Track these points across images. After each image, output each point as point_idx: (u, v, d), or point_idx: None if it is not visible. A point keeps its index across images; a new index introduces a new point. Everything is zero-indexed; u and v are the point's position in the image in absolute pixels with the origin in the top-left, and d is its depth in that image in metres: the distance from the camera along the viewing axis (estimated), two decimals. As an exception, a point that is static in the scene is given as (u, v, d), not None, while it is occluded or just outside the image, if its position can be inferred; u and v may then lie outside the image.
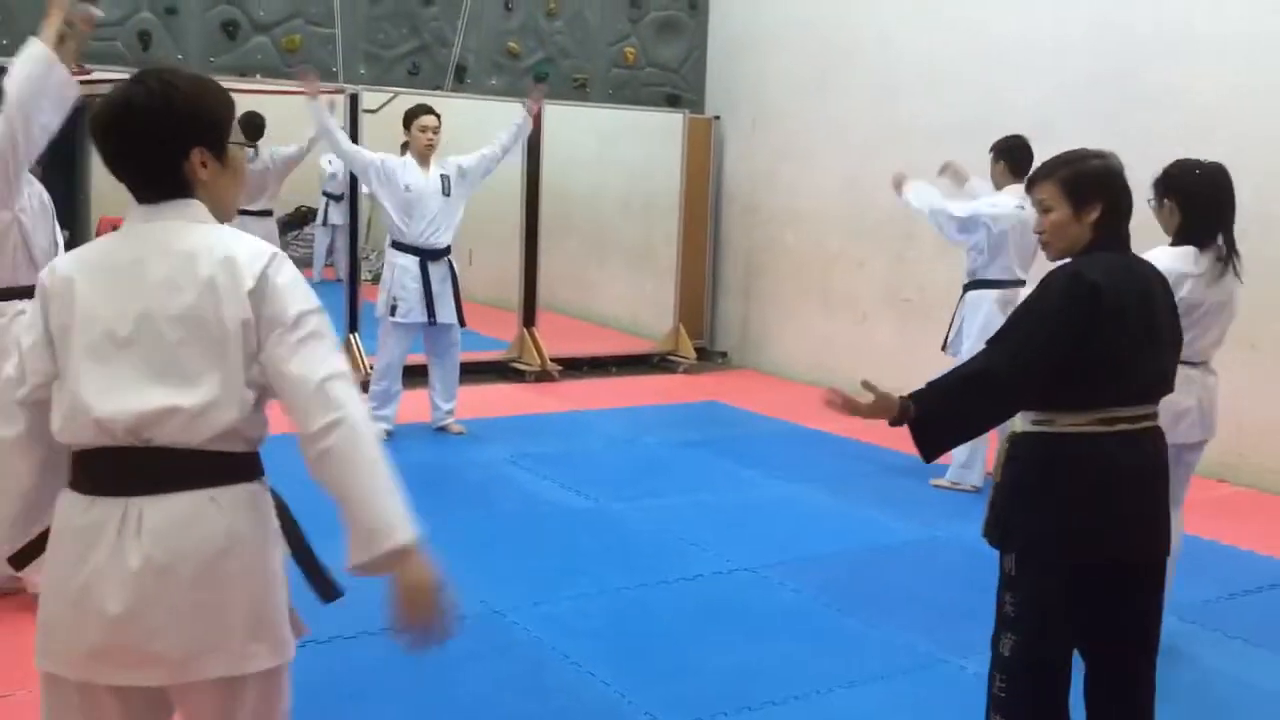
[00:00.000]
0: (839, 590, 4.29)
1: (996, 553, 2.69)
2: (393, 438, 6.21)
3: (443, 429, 6.49)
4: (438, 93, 8.22)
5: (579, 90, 8.86)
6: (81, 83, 3.53)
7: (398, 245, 6.23)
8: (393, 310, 6.17)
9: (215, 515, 1.81)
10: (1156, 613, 2.68)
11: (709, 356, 9.35)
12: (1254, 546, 4.94)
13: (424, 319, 6.21)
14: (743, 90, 9.14)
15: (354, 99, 7.74)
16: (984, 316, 5.57)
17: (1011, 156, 5.54)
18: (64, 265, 1.89)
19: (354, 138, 7.73)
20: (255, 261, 1.83)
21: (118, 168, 1.86)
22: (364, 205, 8.12)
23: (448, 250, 6.30)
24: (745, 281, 9.27)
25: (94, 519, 1.79)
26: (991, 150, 5.64)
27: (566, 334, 8.70)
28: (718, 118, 9.28)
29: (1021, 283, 5.61)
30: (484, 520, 4.99)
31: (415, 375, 6.60)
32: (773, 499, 5.53)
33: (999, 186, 5.63)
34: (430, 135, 6.20)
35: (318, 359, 1.82)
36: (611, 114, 8.92)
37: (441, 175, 6.25)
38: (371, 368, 6.54)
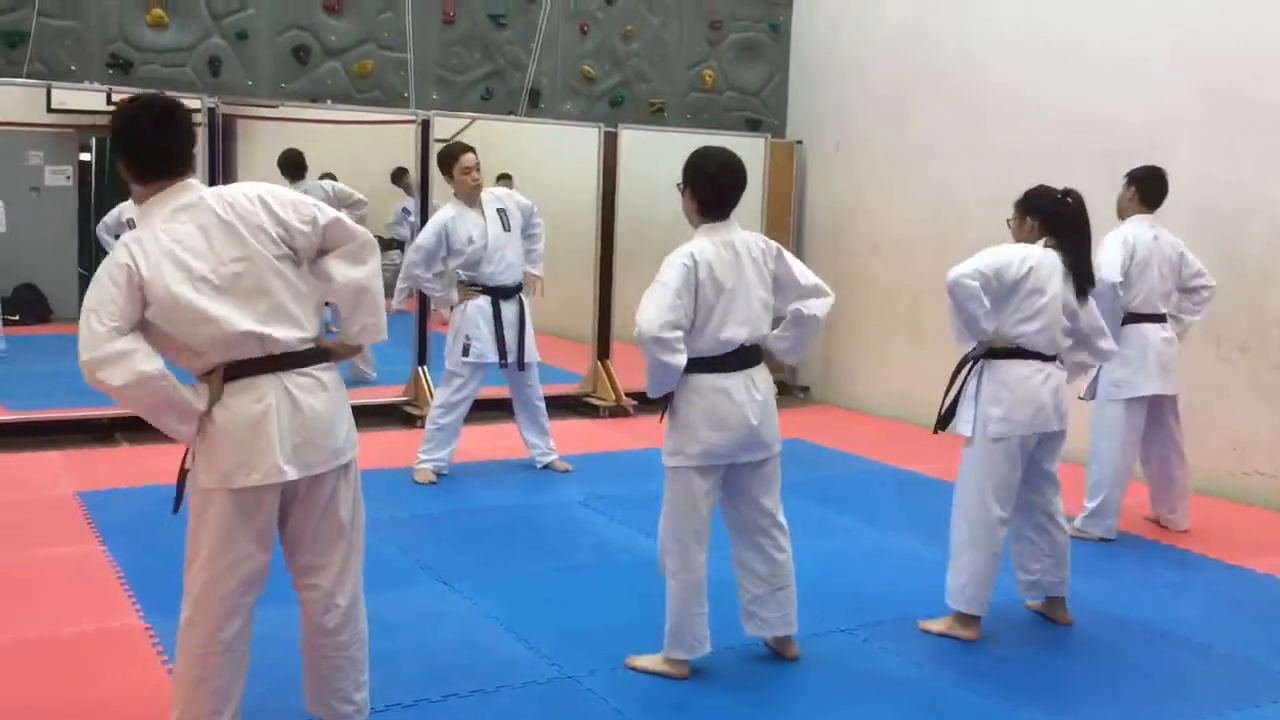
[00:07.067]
0: (949, 657, 3.88)
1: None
2: (442, 479, 5.94)
3: (548, 466, 6.28)
4: (511, 118, 7.99)
5: (656, 115, 8.58)
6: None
7: (470, 284, 6.02)
8: (465, 351, 5.94)
9: (765, 371, 3.68)
10: None
11: (789, 391, 8.94)
12: None
13: (495, 359, 5.97)
14: (825, 114, 8.78)
15: (426, 125, 7.53)
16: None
17: (1144, 184, 5.32)
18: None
19: (424, 166, 7.53)
20: None
21: None
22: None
23: (519, 289, 6.07)
24: (829, 312, 8.85)
25: (730, 383, 3.52)
26: (1126, 175, 5.39)
27: (642, 367, 8.33)
28: (800, 142, 8.94)
29: (1160, 318, 5.29)
30: (554, 572, 4.64)
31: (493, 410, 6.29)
32: (866, 549, 5.12)
33: (1124, 213, 5.35)
34: (475, 174, 5.92)
35: None
36: (690, 139, 8.58)
37: (497, 210, 6.00)
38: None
